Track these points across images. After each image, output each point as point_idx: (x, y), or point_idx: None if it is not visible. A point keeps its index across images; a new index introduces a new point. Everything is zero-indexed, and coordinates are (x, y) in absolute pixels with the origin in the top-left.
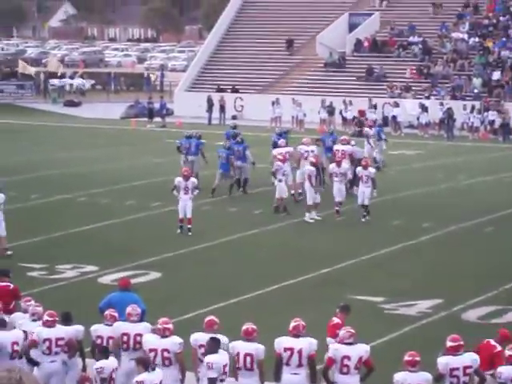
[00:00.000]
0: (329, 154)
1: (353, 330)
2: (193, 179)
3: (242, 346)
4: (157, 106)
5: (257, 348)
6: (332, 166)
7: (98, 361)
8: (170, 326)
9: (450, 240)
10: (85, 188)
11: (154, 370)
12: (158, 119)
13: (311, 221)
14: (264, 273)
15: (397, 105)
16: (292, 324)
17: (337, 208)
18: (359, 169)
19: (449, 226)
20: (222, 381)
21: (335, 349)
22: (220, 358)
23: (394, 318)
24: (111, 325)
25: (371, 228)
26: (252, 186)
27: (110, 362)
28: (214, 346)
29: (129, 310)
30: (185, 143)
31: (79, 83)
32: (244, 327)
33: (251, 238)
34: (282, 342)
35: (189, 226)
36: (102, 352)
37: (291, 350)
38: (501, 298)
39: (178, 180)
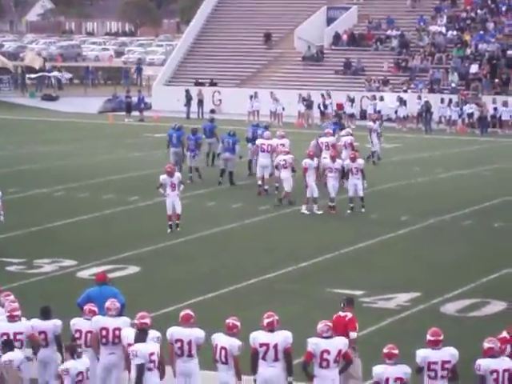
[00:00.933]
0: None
1: (330, 324)
2: (177, 174)
3: (220, 339)
4: (135, 100)
5: (232, 343)
6: (326, 161)
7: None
8: (148, 320)
9: (428, 233)
10: (62, 182)
11: (79, 357)
12: (135, 113)
13: (307, 212)
14: (242, 267)
15: (381, 98)
16: (265, 320)
17: (331, 204)
18: (348, 162)
19: (427, 220)
20: (150, 370)
21: (314, 343)
22: (145, 347)
23: (373, 312)
24: (90, 319)
25: (349, 221)
26: (228, 180)
27: (16, 354)
28: (141, 336)
29: (107, 304)
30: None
31: (57, 75)
32: (227, 321)
33: (229, 232)
34: (258, 338)
35: (177, 222)
36: (5, 345)
37: (267, 345)
38: (478, 291)
39: (163, 177)
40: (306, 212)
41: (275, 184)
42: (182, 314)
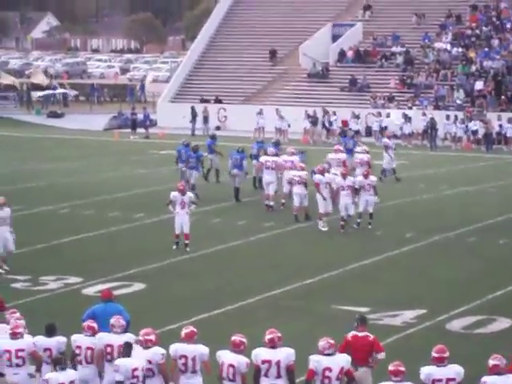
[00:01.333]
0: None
1: (332, 341)
2: (189, 194)
3: (227, 356)
4: (140, 117)
5: (240, 361)
6: (338, 180)
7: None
8: (153, 337)
9: (434, 250)
10: (67, 199)
11: (64, 369)
12: (141, 130)
13: (324, 229)
14: (247, 284)
15: (388, 115)
16: (267, 337)
17: (342, 222)
18: (360, 178)
19: (432, 236)
20: None
21: (316, 360)
22: (129, 362)
23: (379, 329)
24: (91, 335)
25: (355, 238)
26: (232, 198)
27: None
28: (126, 350)
29: (112, 321)
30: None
31: (63, 92)
32: (233, 338)
33: (235, 249)
34: (260, 355)
35: (186, 242)
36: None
37: (269, 362)
38: (484, 308)
39: (174, 195)
40: (323, 229)
41: (281, 200)
42: (185, 330)
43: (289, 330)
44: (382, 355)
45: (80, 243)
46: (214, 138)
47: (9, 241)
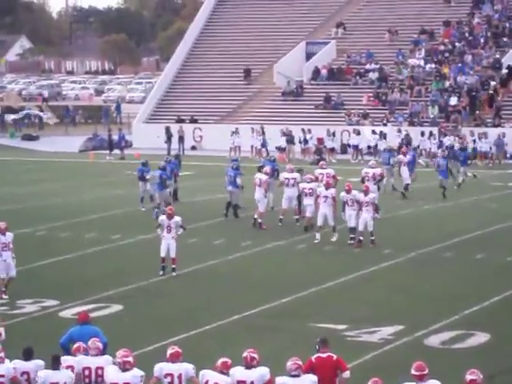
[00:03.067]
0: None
1: (300, 362)
2: (177, 218)
3: (211, 375)
4: (115, 138)
5: (227, 380)
6: (342, 194)
7: None
8: (131, 359)
9: (411, 266)
10: (44, 222)
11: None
12: (117, 151)
13: (334, 239)
14: (226, 303)
15: (358, 133)
16: (243, 356)
17: (361, 237)
18: (360, 195)
19: (410, 252)
20: None
21: (282, 383)
22: (51, 375)
23: (357, 345)
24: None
25: (332, 256)
26: (209, 217)
27: None
28: (53, 363)
29: (89, 343)
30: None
31: (39, 114)
32: (220, 360)
33: (212, 269)
34: (235, 375)
35: (173, 266)
36: None
37: (244, 382)
38: (462, 322)
39: (161, 219)
40: (334, 239)
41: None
42: (170, 351)
43: (266, 349)
44: (346, 374)
45: (57, 265)
46: (178, 157)
47: (11, 266)
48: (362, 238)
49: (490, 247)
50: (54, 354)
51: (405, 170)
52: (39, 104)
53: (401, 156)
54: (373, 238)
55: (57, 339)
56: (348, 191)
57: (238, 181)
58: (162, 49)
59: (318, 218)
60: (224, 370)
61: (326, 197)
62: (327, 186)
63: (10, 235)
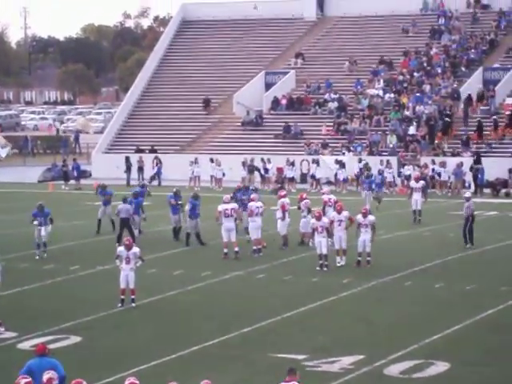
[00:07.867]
0: None
1: None
2: (135, 249)
3: None
4: (70, 168)
5: None
6: (358, 217)
7: None
8: None
9: (371, 295)
10: (2, 253)
11: None
12: (72, 181)
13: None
14: (185, 334)
15: (317, 163)
16: None
17: (359, 258)
18: (359, 217)
19: (370, 281)
20: None
21: None
22: None
23: (317, 375)
24: None
25: (291, 285)
26: (167, 247)
27: None
28: None
29: (46, 377)
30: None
31: None
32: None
33: (171, 299)
34: None
35: (132, 297)
36: None
37: None
38: (422, 352)
39: (120, 250)
40: (341, 263)
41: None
42: (127, 382)
43: (227, 380)
44: None
45: (15, 297)
46: (143, 186)
47: None
48: (360, 258)
49: (449, 276)
50: None
51: (417, 196)
52: None
53: (413, 182)
54: (369, 258)
55: (15, 371)
56: (318, 218)
57: (198, 210)
58: (121, 79)
59: (334, 244)
60: None
61: (341, 220)
62: (339, 211)
63: None
